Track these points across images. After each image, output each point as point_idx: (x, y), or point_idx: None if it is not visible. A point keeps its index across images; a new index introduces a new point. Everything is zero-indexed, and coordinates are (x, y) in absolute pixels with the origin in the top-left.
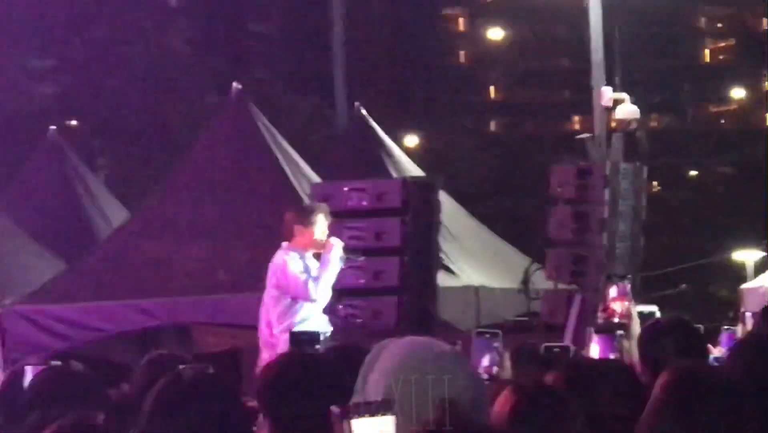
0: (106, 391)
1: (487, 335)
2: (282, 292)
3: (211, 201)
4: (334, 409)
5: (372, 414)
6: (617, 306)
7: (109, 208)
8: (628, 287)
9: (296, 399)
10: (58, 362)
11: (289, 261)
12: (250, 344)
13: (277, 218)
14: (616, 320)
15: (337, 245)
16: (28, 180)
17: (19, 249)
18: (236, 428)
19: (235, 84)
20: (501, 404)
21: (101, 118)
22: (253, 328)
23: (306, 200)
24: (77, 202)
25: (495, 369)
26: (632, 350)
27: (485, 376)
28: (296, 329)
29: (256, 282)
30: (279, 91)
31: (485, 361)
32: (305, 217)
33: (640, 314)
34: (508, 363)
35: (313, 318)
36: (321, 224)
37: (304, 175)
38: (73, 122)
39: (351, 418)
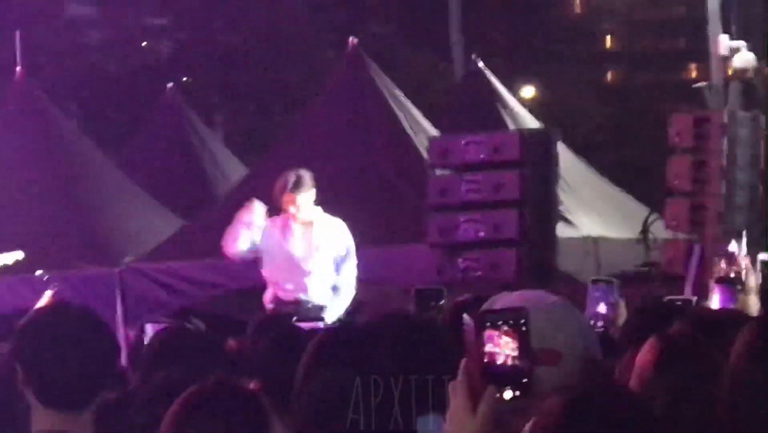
0: (221, 346)
1: (603, 284)
2: None
3: (329, 156)
4: (467, 318)
5: (509, 324)
6: (737, 258)
7: (228, 164)
8: (744, 240)
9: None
10: (179, 320)
11: None
12: (366, 298)
13: (395, 173)
14: (732, 274)
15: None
16: (146, 137)
17: (137, 207)
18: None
19: (351, 38)
20: (645, 353)
21: (219, 75)
22: (371, 282)
23: (424, 154)
24: (195, 159)
25: (610, 318)
26: (749, 302)
27: (600, 324)
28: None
29: (376, 237)
30: (396, 46)
31: (600, 310)
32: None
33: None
34: (623, 312)
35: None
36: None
37: (422, 130)
38: (191, 79)
39: (486, 328)
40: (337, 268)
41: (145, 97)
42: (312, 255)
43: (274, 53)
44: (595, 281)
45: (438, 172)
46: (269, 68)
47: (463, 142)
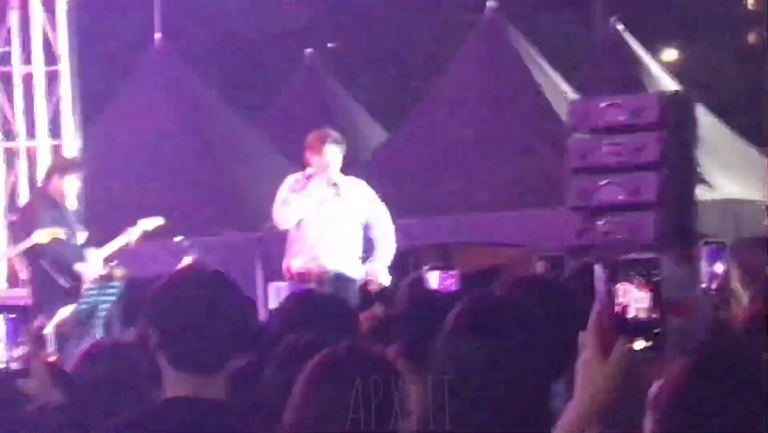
0: (356, 315)
1: (714, 245)
2: None
3: (469, 121)
4: (599, 269)
5: (642, 275)
6: None
7: (368, 130)
8: None
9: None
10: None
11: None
12: (509, 263)
13: (534, 136)
14: None
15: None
16: (285, 103)
17: (278, 172)
18: None
19: (489, 2)
20: None
21: (359, 40)
22: (513, 246)
23: (563, 118)
24: (335, 124)
25: (719, 280)
26: None
27: (712, 287)
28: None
29: (514, 201)
30: (535, 8)
31: (714, 270)
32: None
33: None
34: (736, 274)
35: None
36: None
37: (561, 93)
38: (335, 44)
39: (618, 279)
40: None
41: (285, 63)
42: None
43: (413, 17)
44: (707, 243)
45: (577, 135)
46: (408, 33)
47: (602, 105)
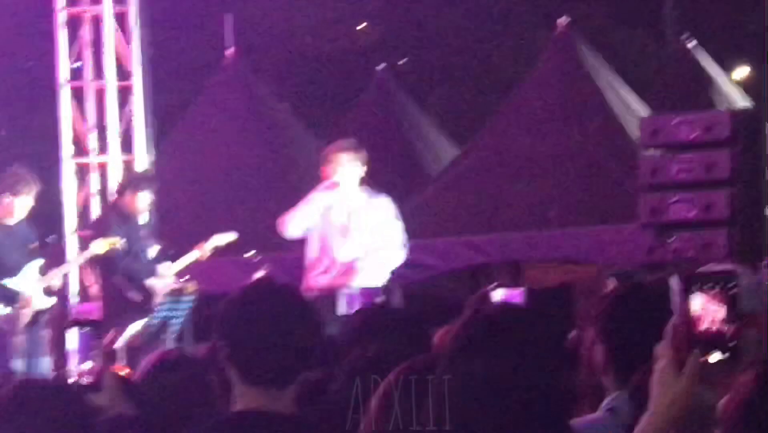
0: (429, 329)
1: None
2: None
3: (540, 137)
4: (675, 281)
5: (718, 287)
6: None
7: (439, 145)
8: None
9: (630, 328)
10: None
11: None
12: (582, 279)
13: (605, 153)
14: None
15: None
16: (357, 119)
17: None
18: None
19: (561, 18)
20: None
21: (430, 57)
22: (585, 263)
23: (635, 134)
24: (406, 140)
25: None
26: None
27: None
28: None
29: (587, 217)
30: (606, 24)
31: None
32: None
33: None
34: None
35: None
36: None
37: (632, 109)
38: (406, 60)
39: (694, 291)
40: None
41: (357, 79)
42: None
43: (484, 34)
44: None
45: (648, 152)
46: (480, 49)
47: (673, 121)
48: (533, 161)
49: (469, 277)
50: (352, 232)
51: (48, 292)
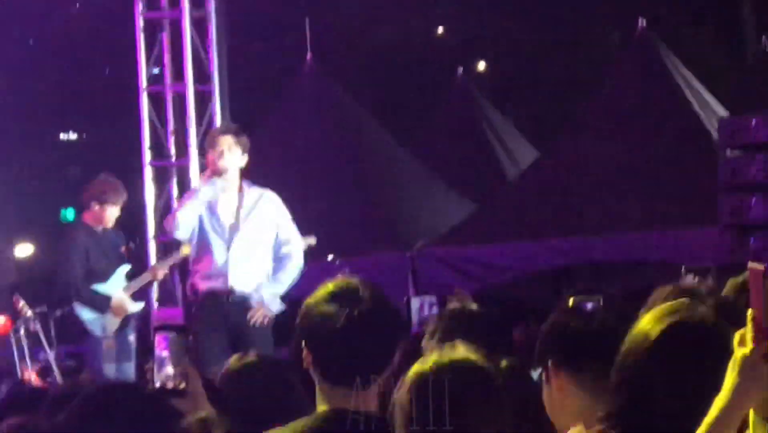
0: (510, 332)
1: None
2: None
3: (620, 139)
4: (755, 265)
5: None
6: None
7: (519, 149)
8: None
9: None
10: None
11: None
12: (663, 281)
13: (685, 155)
14: None
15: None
16: (437, 123)
17: (430, 191)
18: None
19: (640, 21)
20: None
21: (510, 61)
22: (665, 265)
23: (714, 136)
24: (486, 144)
25: None
26: None
27: None
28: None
29: (667, 219)
30: (684, 26)
31: None
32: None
33: None
34: None
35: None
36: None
37: (712, 111)
38: (486, 66)
39: None
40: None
41: (436, 84)
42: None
43: (562, 38)
44: None
45: (728, 152)
46: (559, 53)
47: (752, 122)
48: (613, 163)
49: (549, 279)
50: (242, 230)
51: (136, 297)
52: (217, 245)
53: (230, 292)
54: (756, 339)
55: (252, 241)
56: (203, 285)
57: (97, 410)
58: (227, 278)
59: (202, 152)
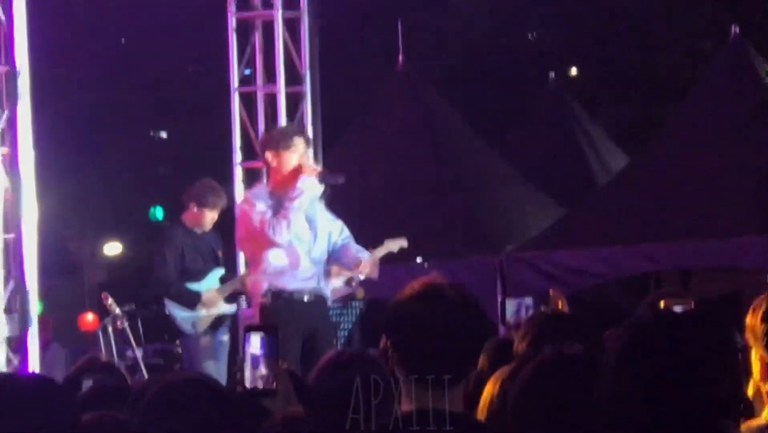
0: (601, 337)
1: None
2: (244, 240)
3: (710, 146)
4: None
5: None
6: None
7: (609, 155)
8: None
9: None
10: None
11: (242, 204)
12: (751, 287)
13: None
14: None
15: (309, 170)
16: (528, 127)
17: (520, 195)
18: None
19: (734, 28)
20: None
21: (601, 66)
22: (755, 271)
23: None
24: (577, 149)
25: None
26: None
27: None
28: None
29: (757, 225)
30: None
31: None
32: (281, 140)
33: None
34: None
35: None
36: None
37: None
38: (574, 70)
39: None
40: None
41: (529, 87)
42: None
43: (654, 43)
44: None
45: None
46: (650, 58)
47: None
48: (703, 169)
49: (638, 284)
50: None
51: (229, 300)
52: (301, 248)
53: (308, 292)
54: None
55: (321, 241)
56: (281, 284)
57: (167, 405)
58: (307, 278)
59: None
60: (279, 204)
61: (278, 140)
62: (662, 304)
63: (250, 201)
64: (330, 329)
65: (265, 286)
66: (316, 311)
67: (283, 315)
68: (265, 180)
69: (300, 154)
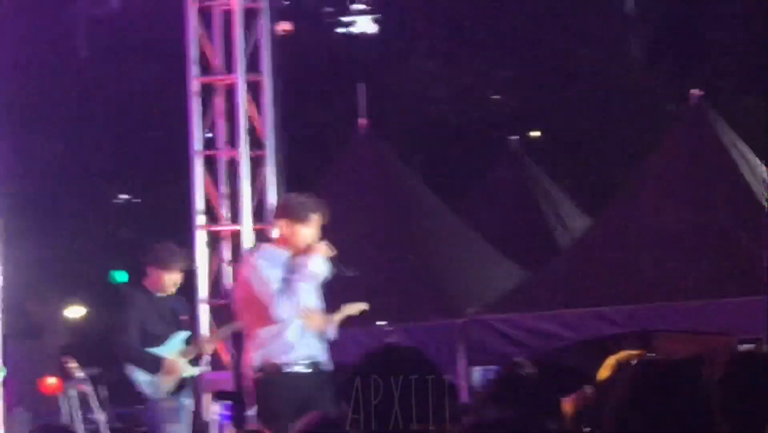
0: (557, 396)
1: None
2: (244, 306)
3: (671, 208)
4: None
5: None
6: None
7: (570, 216)
8: None
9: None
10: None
11: (251, 270)
12: (712, 351)
13: (735, 224)
14: None
15: (322, 251)
16: (489, 188)
17: (480, 257)
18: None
19: (694, 91)
20: None
21: (560, 129)
22: (716, 334)
23: (766, 208)
24: (538, 211)
25: None
26: None
27: None
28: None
29: (716, 288)
30: (733, 93)
31: None
32: (299, 211)
33: None
34: None
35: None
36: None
37: (765, 182)
38: (535, 133)
39: None
40: None
41: (490, 149)
42: None
43: (614, 106)
44: None
45: None
46: (611, 121)
47: None
48: (665, 233)
49: (599, 348)
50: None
51: (195, 361)
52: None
53: (302, 362)
54: None
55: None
56: (281, 358)
57: None
58: (299, 348)
59: (256, 216)
60: (288, 277)
61: (296, 212)
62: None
63: (257, 267)
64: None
65: (256, 359)
66: (311, 382)
67: (276, 388)
68: (270, 243)
69: (315, 230)
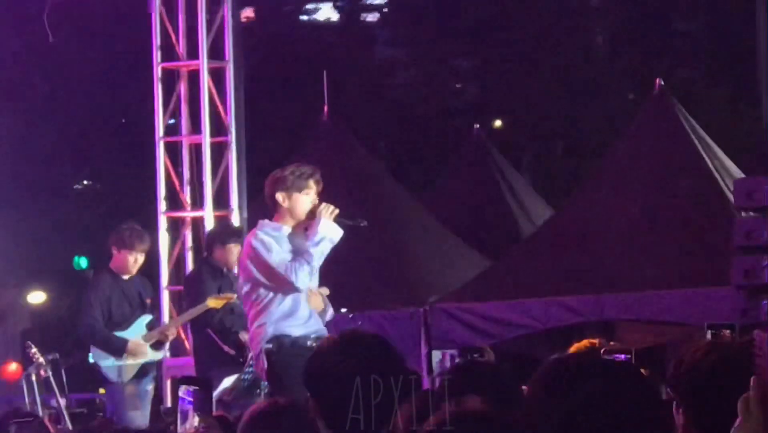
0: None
1: None
2: (254, 284)
3: (634, 199)
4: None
5: None
6: None
7: (533, 206)
8: None
9: (711, 390)
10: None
11: (258, 245)
12: (674, 340)
13: (699, 214)
14: None
15: (327, 213)
16: (452, 178)
17: (443, 247)
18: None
19: (658, 81)
20: None
21: (524, 118)
22: (678, 324)
23: (730, 197)
24: (501, 200)
25: None
26: None
27: None
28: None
29: (680, 279)
30: (699, 87)
31: None
32: (295, 181)
33: None
34: None
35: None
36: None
37: (728, 172)
38: (498, 122)
39: None
40: None
41: (452, 139)
42: None
43: (578, 96)
44: None
45: (743, 214)
46: (574, 111)
47: None
48: (627, 222)
49: (562, 337)
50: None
51: (157, 346)
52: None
53: (312, 336)
54: (761, 405)
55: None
56: (294, 332)
57: None
58: (310, 323)
59: (218, 203)
60: (299, 248)
61: (291, 182)
62: (602, 352)
63: (265, 242)
64: None
65: (270, 332)
66: None
67: (292, 360)
68: (267, 220)
69: (313, 197)
